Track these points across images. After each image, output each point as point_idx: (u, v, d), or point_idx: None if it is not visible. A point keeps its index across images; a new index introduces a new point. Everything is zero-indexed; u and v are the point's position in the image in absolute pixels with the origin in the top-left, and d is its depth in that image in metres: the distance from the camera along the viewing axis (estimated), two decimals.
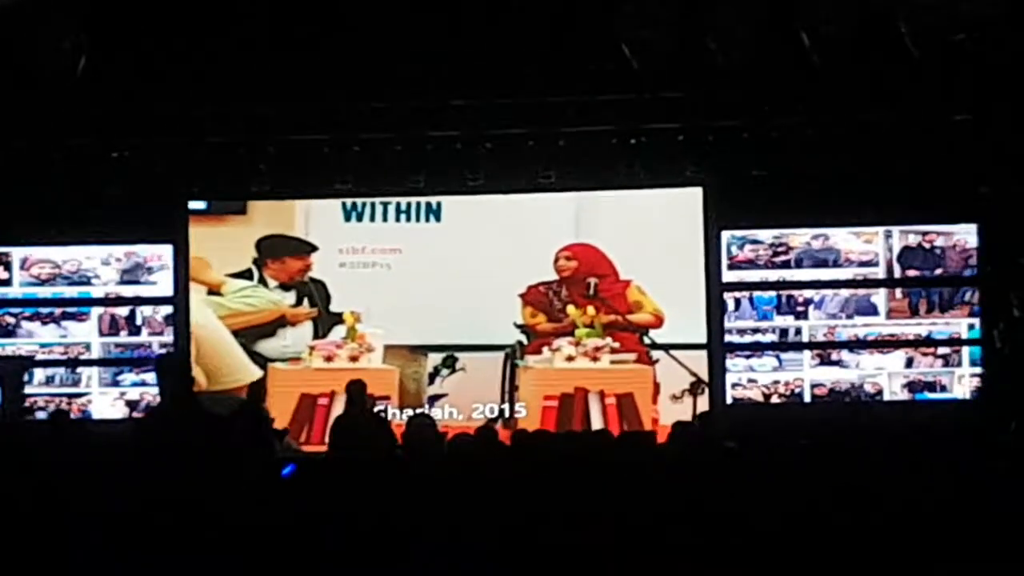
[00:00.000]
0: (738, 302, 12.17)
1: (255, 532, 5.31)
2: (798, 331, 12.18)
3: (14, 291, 12.20)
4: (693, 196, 12.06)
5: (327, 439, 10.05)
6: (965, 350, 12.09)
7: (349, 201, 12.22)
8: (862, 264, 12.17)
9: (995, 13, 10.56)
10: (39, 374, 12.09)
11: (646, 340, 12.10)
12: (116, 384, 12.23)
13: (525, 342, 12.18)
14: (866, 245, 12.18)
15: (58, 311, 12.21)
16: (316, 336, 12.22)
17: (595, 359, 12.01)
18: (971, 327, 12.11)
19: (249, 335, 12.21)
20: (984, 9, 10.53)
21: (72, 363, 12.20)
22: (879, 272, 12.18)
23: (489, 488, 5.91)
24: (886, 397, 12.09)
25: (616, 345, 12.05)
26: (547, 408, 11.92)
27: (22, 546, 5.34)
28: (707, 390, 11.77)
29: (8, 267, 12.18)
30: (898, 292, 12.19)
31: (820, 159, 11.62)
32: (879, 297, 12.18)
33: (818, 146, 11.63)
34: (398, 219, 12.29)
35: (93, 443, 9.37)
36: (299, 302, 12.30)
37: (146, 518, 5.48)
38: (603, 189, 12.14)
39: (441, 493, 5.81)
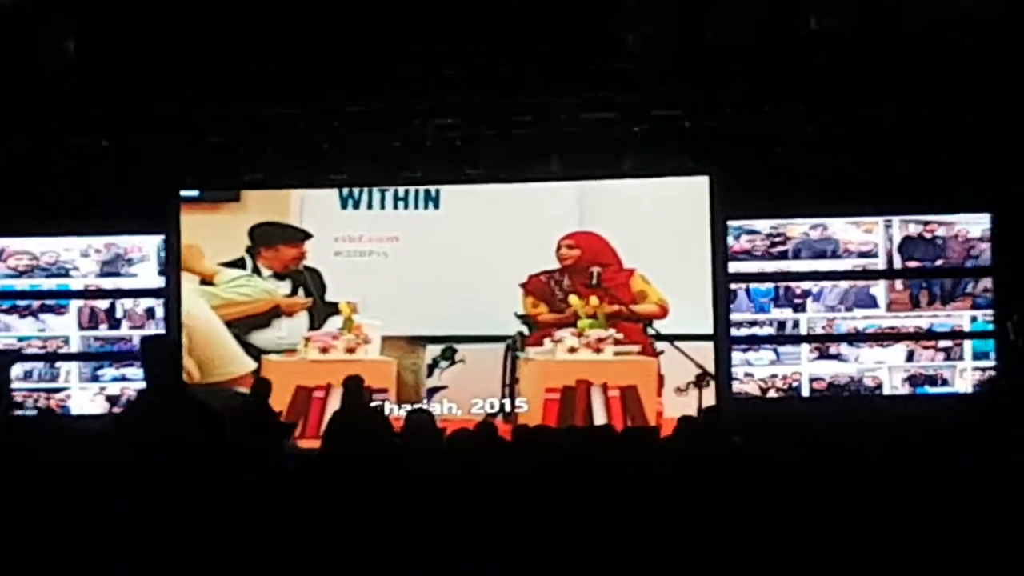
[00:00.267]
0: (735, 294, 12.24)
1: (252, 532, 5.32)
2: (796, 324, 12.25)
3: None
4: (699, 185, 12.12)
5: (323, 435, 10.12)
6: (967, 343, 12.17)
7: (346, 189, 12.28)
8: (861, 255, 12.23)
9: (995, 12, 10.66)
10: (16, 368, 12.14)
11: (650, 331, 12.16)
12: (96, 379, 12.31)
13: (526, 333, 12.23)
14: (866, 235, 12.24)
15: (36, 304, 12.28)
16: (312, 327, 12.27)
17: (598, 351, 12.06)
18: (973, 319, 12.18)
19: (243, 326, 12.28)
20: (984, 8, 10.63)
21: (51, 357, 12.27)
22: (879, 263, 12.24)
23: (489, 486, 5.92)
24: (886, 391, 12.16)
25: (620, 336, 12.11)
26: (549, 401, 11.97)
27: (13, 545, 5.37)
28: (712, 383, 11.84)
29: None
30: (898, 284, 12.25)
31: (819, 148, 11.69)
32: (879, 289, 12.24)
33: (817, 135, 11.70)
34: (396, 207, 12.32)
35: (79, 439, 9.39)
36: (294, 292, 12.36)
37: (136, 517, 5.45)
38: (606, 178, 12.21)
39: (440, 491, 5.82)
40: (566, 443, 7.12)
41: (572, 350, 12.08)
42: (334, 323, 12.25)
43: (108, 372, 12.29)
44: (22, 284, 12.30)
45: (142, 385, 6.48)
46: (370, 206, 12.32)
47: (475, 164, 11.98)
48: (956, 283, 12.22)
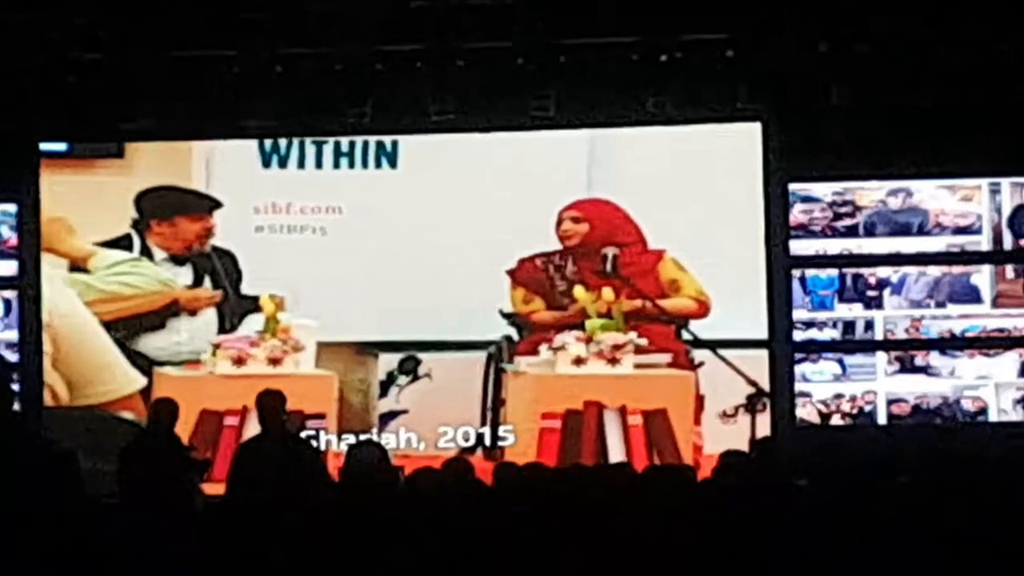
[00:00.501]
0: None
1: None
2: (869, 325, 12.25)
3: None
4: (748, 134, 12.06)
5: (227, 480, 10.13)
6: None
7: (268, 140, 12.27)
8: (958, 231, 12.22)
9: None
10: None
11: (685, 335, 12.18)
12: None
13: (515, 337, 12.28)
14: (964, 204, 12.22)
15: None
16: (222, 330, 12.32)
17: (614, 362, 12.09)
18: None
19: (128, 328, 12.29)
20: None
21: None
22: (982, 242, 12.23)
23: (460, 547, 5.93)
24: (992, 417, 12.18)
25: (643, 342, 12.14)
26: (546, 431, 11.98)
27: None
28: (768, 405, 11.84)
29: None
30: (1009, 270, 12.25)
31: (900, 86, 11.67)
32: (982, 277, 12.24)
33: (898, 68, 11.66)
34: (337, 165, 12.37)
35: None
36: (198, 282, 12.39)
37: None
38: (624, 126, 12.20)
39: (392, 555, 5.83)
40: (568, 489, 7.07)
41: (578, 361, 12.09)
42: (253, 324, 12.27)
43: None
44: None
45: None
46: (302, 164, 12.34)
47: (444, 105, 11.92)
48: None
